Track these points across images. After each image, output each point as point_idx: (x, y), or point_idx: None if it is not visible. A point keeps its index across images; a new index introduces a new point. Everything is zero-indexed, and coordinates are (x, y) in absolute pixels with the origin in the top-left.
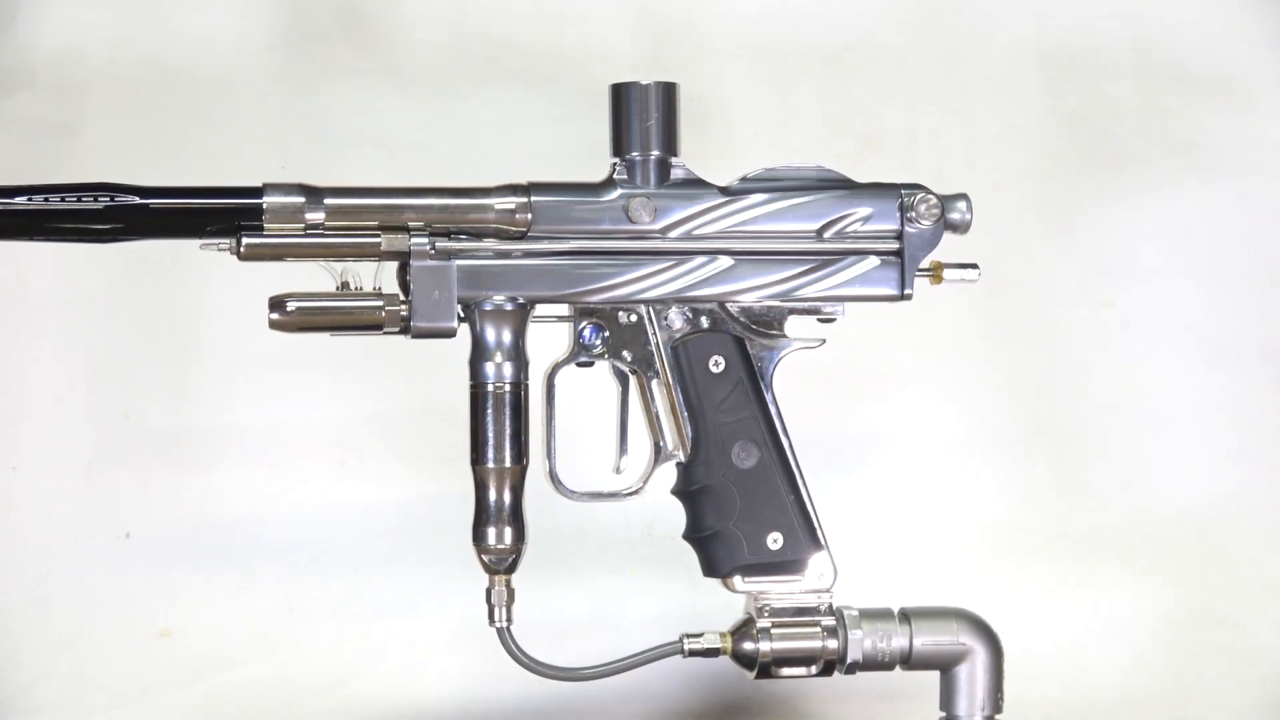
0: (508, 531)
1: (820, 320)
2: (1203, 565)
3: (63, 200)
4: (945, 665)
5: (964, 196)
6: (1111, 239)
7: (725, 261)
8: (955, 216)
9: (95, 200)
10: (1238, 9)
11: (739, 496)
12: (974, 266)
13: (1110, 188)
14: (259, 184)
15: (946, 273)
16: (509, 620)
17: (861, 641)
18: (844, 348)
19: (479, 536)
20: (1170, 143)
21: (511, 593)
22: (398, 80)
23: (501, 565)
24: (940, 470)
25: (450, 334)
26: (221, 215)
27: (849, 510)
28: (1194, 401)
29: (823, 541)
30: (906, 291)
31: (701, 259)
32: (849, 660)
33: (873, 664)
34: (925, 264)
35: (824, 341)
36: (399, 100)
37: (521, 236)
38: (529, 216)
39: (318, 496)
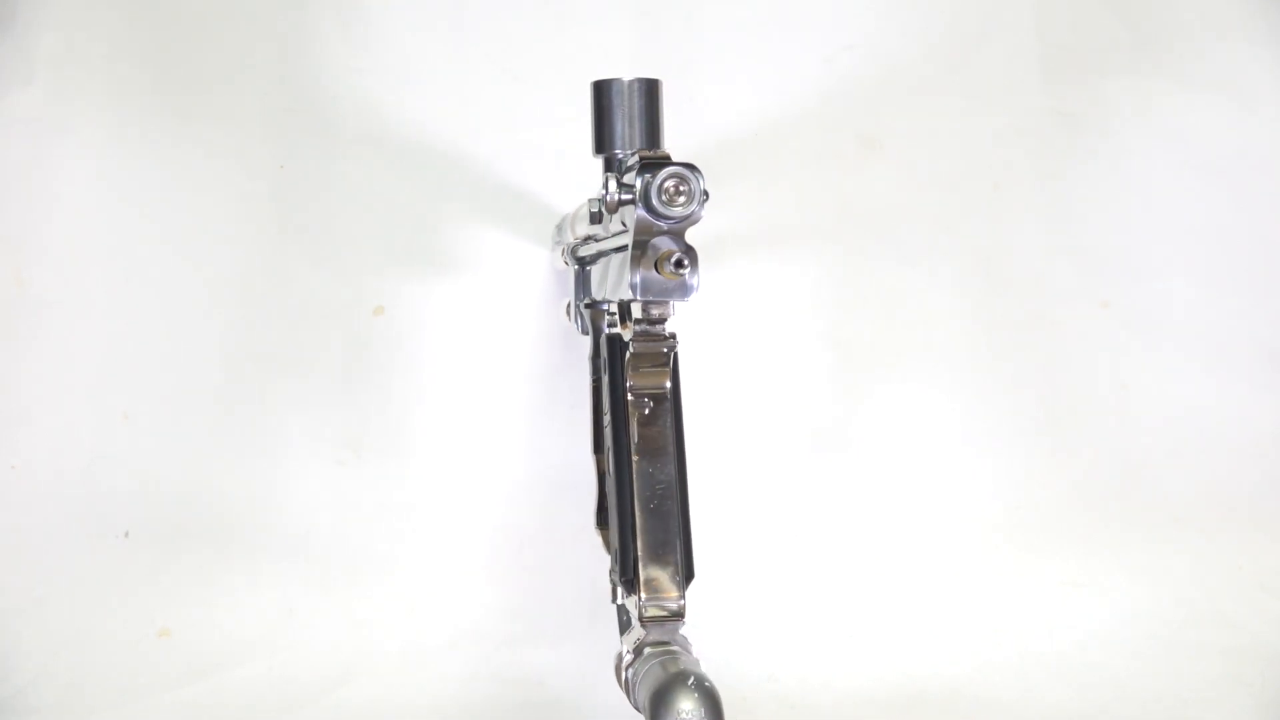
0: None
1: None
2: (1202, 565)
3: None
4: None
5: (674, 174)
6: (1111, 239)
7: (616, 260)
8: (651, 201)
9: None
10: (1238, 9)
11: (607, 503)
12: (679, 264)
13: (1110, 187)
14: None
15: (666, 268)
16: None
17: (636, 682)
18: (839, 346)
19: (603, 521)
20: (1169, 142)
21: None
22: (397, 80)
23: None
24: (939, 471)
25: (578, 331)
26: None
27: (845, 510)
28: (1194, 401)
29: (630, 567)
30: (634, 296)
31: (608, 259)
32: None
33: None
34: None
35: (629, 342)
36: (399, 100)
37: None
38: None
39: (318, 496)
